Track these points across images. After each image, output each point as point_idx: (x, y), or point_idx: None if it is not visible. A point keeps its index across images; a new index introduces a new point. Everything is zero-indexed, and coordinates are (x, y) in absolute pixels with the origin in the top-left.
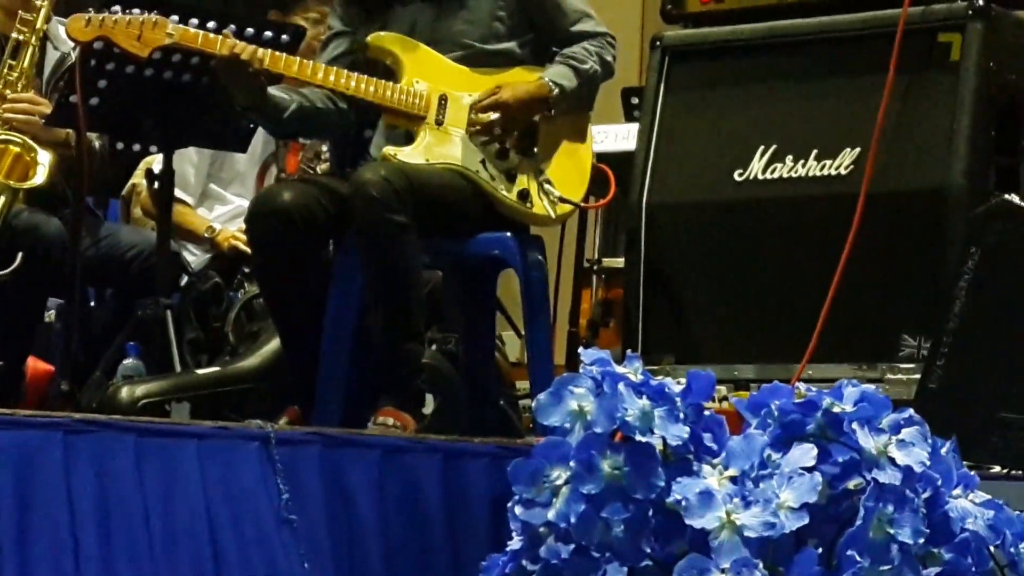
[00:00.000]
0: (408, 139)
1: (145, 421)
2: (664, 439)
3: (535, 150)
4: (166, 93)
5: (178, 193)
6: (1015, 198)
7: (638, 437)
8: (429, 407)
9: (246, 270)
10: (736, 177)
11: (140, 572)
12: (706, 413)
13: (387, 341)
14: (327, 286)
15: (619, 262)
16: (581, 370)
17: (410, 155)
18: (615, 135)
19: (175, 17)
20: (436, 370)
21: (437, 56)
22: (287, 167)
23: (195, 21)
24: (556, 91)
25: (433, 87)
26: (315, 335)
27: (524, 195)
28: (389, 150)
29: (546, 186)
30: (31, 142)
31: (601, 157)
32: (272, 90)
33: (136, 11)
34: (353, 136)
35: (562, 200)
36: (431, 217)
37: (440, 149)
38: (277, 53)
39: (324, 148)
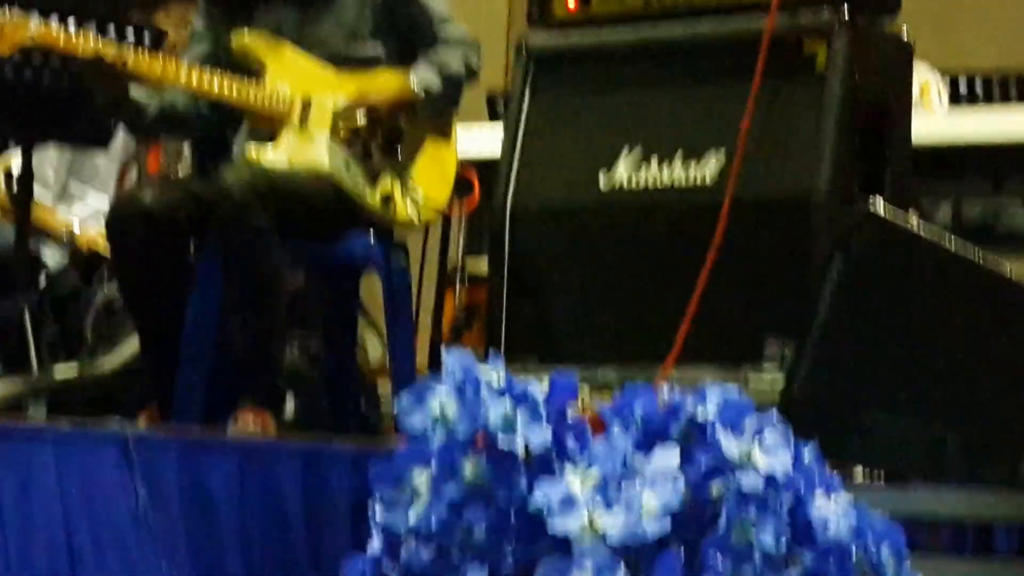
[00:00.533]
0: (272, 141)
1: (1, 422)
2: (526, 442)
3: (399, 153)
4: (25, 91)
5: (37, 191)
6: (879, 208)
7: (500, 440)
8: (290, 409)
9: (105, 270)
10: (601, 181)
11: None
12: (569, 416)
13: (248, 342)
14: (187, 287)
15: (483, 265)
16: (443, 373)
17: (273, 156)
18: (480, 138)
19: (35, 14)
20: (297, 371)
21: (302, 57)
22: (148, 167)
23: (56, 19)
24: (421, 94)
25: (297, 88)
26: (174, 335)
27: (387, 198)
28: (252, 151)
29: (410, 189)
30: None
31: (465, 161)
32: (134, 90)
33: None
34: (215, 137)
35: (425, 203)
36: (293, 219)
37: (303, 151)
38: (140, 53)
39: (186, 148)
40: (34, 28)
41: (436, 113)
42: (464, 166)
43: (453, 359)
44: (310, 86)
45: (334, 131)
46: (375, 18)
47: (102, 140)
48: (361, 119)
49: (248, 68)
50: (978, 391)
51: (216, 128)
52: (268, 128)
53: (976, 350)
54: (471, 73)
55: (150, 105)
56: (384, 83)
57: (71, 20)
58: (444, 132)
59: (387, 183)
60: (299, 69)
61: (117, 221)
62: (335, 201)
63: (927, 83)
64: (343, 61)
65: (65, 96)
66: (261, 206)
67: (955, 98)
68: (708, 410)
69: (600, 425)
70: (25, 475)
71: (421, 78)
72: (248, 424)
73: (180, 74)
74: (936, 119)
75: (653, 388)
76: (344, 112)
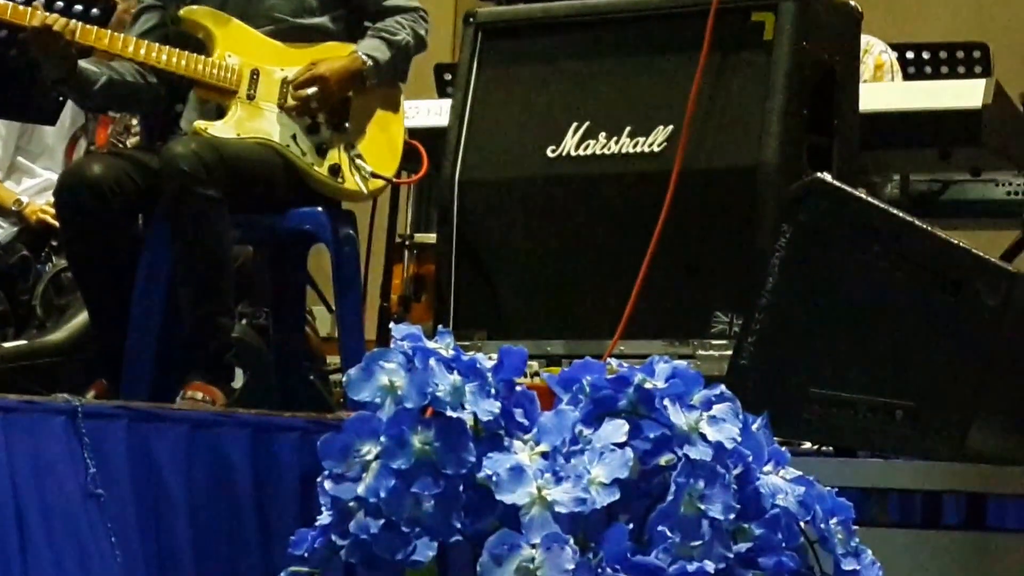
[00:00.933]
0: (220, 114)
1: None
2: (475, 414)
3: (347, 125)
4: None
5: None
6: (827, 176)
7: (449, 412)
8: (239, 382)
9: (54, 243)
10: (549, 153)
11: None
12: (518, 388)
13: (196, 315)
14: (136, 260)
15: (431, 238)
16: (392, 345)
17: (221, 129)
18: (427, 111)
19: None
20: (246, 344)
21: (249, 30)
22: (97, 140)
23: None
24: (369, 63)
25: (245, 61)
26: (123, 309)
27: (335, 170)
28: (200, 124)
29: (358, 161)
30: None
31: (413, 133)
32: (82, 63)
33: None
34: (164, 110)
35: (373, 175)
36: (242, 191)
37: (251, 123)
38: (88, 26)
39: (134, 122)
40: None
41: (384, 83)
42: (412, 138)
43: (401, 332)
44: (258, 58)
45: (282, 103)
46: None
47: (50, 117)
48: (310, 91)
49: (196, 41)
50: (927, 362)
51: (165, 102)
52: (217, 101)
53: (925, 320)
54: (419, 42)
55: (99, 78)
56: (332, 55)
57: None
58: (392, 103)
59: (335, 154)
60: (247, 42)
61: (66, 194)
62: (283, 173)
63: (881, 60)
64: (290, 34)
65: (11, 72)
66: (209, 177)
67: (903, 70)
68: (656, 383)
69: (548, 398)
70: None
71: (368, 49)
72: (197, 397)
73: (128, 47)
74: (883, 89)
75: (602, 362)
76: (292, 84)
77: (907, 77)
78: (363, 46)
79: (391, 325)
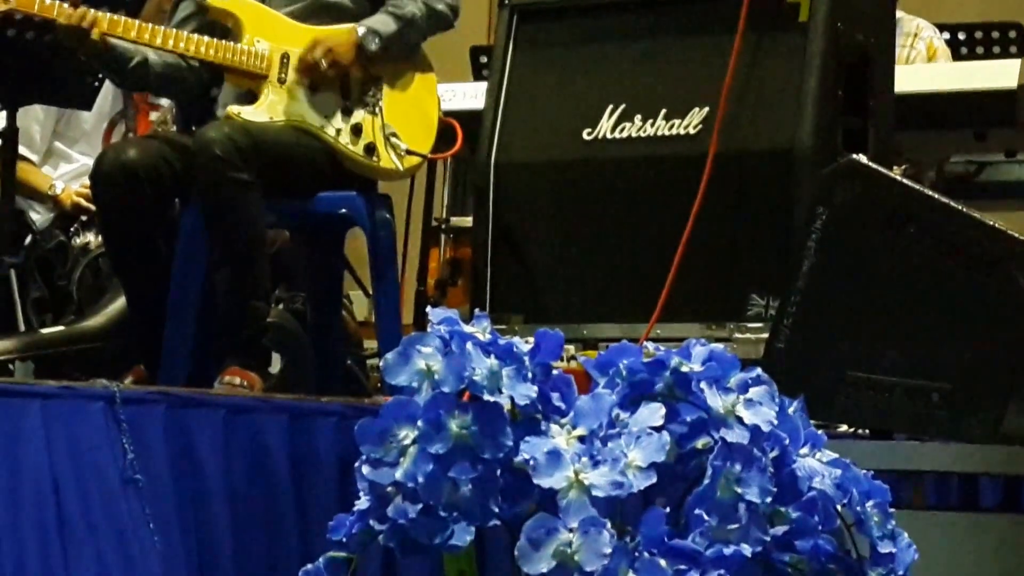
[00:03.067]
0: (253, 98)
1: None
2: (512, 398)
3: (380, 104)
4: (9, 50)
5: (22, 150)
6: (863, 158)
7: (486, 396)
8: (276, 366)
9: (83, 218)
10: (585, 136)
11: None
12: (554, 372)
13: (233, 300)
14: (172, 244)
15: (467, 221)
16: (429, 329)
17: (253, 113)
18: (463, 94)
19: None
20: (283, 329)
21: (276, 15)
22: (138, 129)
23: None
24: (362, 30)
25: (274, 46)
26: (160, 293)
27: (370, 149)
28: (233, 109)
29: (392, 139)
30: None
31: (449, 116)
32: (117, 42)
33: None
34: (199, 95)
35: (409, 152)
36: (277, 175)
37: (284, 107)
38: (116, 17)
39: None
40: None
41: (394, 56)
42: (446, 116)
43: (438, 316)
44: (287, 42)
45: (314, 85)
46: None
47: (86, 101)
48: (316, 52)
49: (228, 29)
50: (963, 344)
51: (202, 90)
52: (248, 87)
53: (961, 302)
54: (433, 16)
55: (134, 56)
56: (337, 30)
57: None
58: (426, 81)
59: (369, 134)
60: (275, 26)
61: (101, 178)
62: (317, 154)
63: (934, 45)
64: (314, 12)
65: (48, 56)
66: (242, 162)
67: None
68: (692, 366)
69: (585, 382)
70: (12, 435)
71: (371, 22)
72: (235, 382)
73: (156, 37)
74: (918, 70)
75: (638, 346)
76: (299, 55)
77: (956, 58)
78: (367, 21)
79: (428, 309)
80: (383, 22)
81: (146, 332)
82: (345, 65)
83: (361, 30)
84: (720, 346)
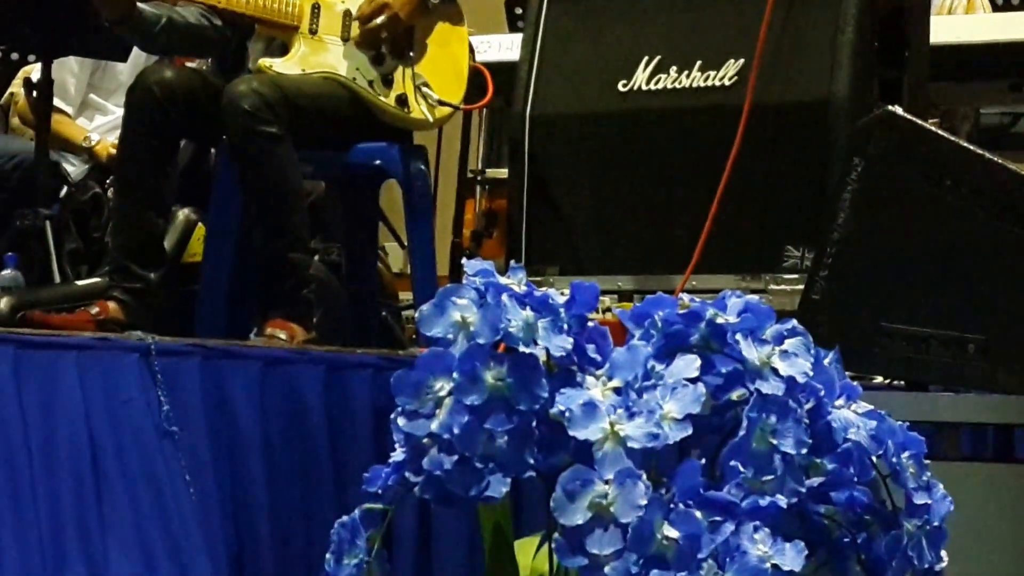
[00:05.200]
0: (285, 50)
1: (24, 332)
2: (548, 350)
3: (411, 53)
4: (44, 2)
5: (57, 102)
6: (898, 109)
7: (521, 348)
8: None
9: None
10: (620, 88)
11: (18, 485)
12: (590, 324)
13: (270, 253)
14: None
15: (503, 173)
16: (464, 281)
17: (285, 66)
18: (499, 45)
19: None
20: (319, 281)
21: None
22: None
23: None
24: None
25: None
26: (156, 215)
27: (402, 100)
28: (264, 61)
29: (424, 89)
30: None
31: (484, 67)
32: (142, 5)
33: None
34: (235, 48)
35: (440, 103)
36: (309, 127)
37: (315, 58)
38: None
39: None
40: None
41: (447, 4)
42: (478, 66)
43: (474, 267)
44: None
45: (345, 36)
46: None
47: (121, 53)
48: (379, 20)
49: None
50: (998, 296)
51: (234, 43)
52: (280, 37)
53: (997, 254)
54: None
55: (159, 19)
56: None
57: None
58: (456, 30)
59: (400, 84)
60: None
61: (139, 88)
62: (349, 106)
63: None
64: None
65: (83, 7)
66: (272, 115)
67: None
68: (728, 317)
69: (621, 334)
70: (48, 386)
71: None
72: (278, 334)
73: None
74: (953, 21)
75: (674, 297)
76: (359, 18)
77: (995, 9)
78: None
79: (463, 261)
80: None
81: (127, 252)
82: (403, 23)
83: None
84: (755, 298)
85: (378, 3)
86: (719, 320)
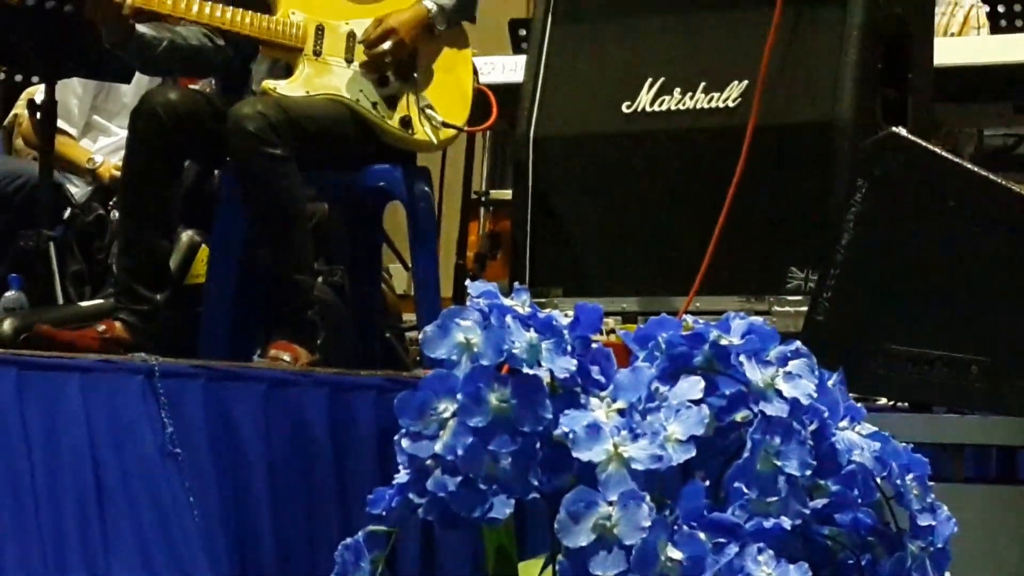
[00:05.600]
0: (289, 71)
1: (27, 354)
2: (551, 372)
3: (415, 75)
4: (49, 22)
5: (61, 124)
6: (902, 130)
7: (525, 370)
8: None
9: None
10: (624, 109)
11: (22, 506)
12: (594, 346)
13: (275, 274)
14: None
15: (507, 194)
16: (468, 302)
17: (289, 87)
18: (502, 67)
19: None
20: (323, 302)
21: None
22: None
23: None
24: (434, 9)
25: (309, 17)
26: (159, 237)
27: (406, 122)
28: (268, 83)
29: (427, 111)
30: None
31: (488, 89)
32: (143, 28)
33: None
34: (237, 71)
35: (444, 125)
36: (313, 149)
37: (320, 80)
38: None
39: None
40: None
41: (453, 25)
42: (482, 88)
43: (477, 289)
44: (322, 13)
45: (349, 58)
46: None
47: (125, 74)
48: (385, 46)
49: (260, 1)
50: (1001, 317)
51: (236, 64)
52: (284, 59)
53: (1000, 275)
54: None
55: (160, 43)
56: (397, 6)
57: None
58: (460, 51)
59: (405, 106)
60: None
61: (144, 109)
62: (353, 128)
63: (970, 13)
64: None
65: (86, 29)
66: (276, 137)
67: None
68: (732, 339)
69: (625, 355)
70: (52, 408)
71: None
72: (282, 356)
73: (191, 9)
74: (956, 43)
75: (678, 319)
76: (364, 42)
77: (992, 31)
78: None
79: (467, 282)
80: None
81: (138, 279)
82: (409, 48)
83: (431, 8)
84: (759, 319)
85: (384, 28)
86: (723, 342)
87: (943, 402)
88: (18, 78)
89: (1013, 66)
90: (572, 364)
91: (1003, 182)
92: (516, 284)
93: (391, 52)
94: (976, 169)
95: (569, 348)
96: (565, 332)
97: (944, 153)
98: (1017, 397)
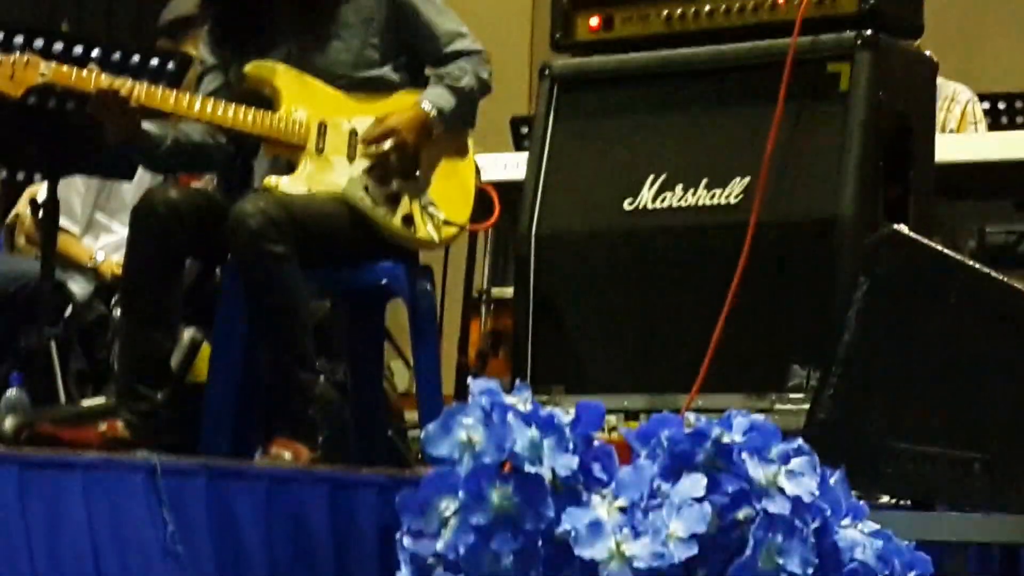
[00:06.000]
0: (290, 168)
1: (28, 453)
2: (553, 469)
3: (417, 173)
4: (50, 121)
5: (63, 222)
6: (904, 228)
7: (527, 468)
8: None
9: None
10: (626, 206)
11: None
12: (595, 443)
13: (276, 372)
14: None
15: (508, 292)
16: (470, 400)
17: (291, 184)
18: (504, 164)
19: (57, 46)
20: (325, 400)
21: (314, 83)
22: None
23: (79, 50)
24: (434, 113)
25: (312, 114)
26: (164, 341)
27: (408, 220)
28: (270, 180)
29: (430, 209)
30: None
31: (490, 186)
32: (147, 125)
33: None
34: (239, 169)
35: (446, 223)
36: (315, 246)
37: (322, 177)
38: (153, 88)
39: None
40: (44, 67)
41: (452, 130)
42: (484, 186)
43: (479, 387)
44: (325, 111)
45: (351, 155)
46: (382, 40)
47: (127, 172)
48: (386, 145)
49: (260, 98)
50: (1005, 415)
51: (238, 160)
52: (286, 156)
53: (1001, 372)
54: (483, 86)
55: (164, 140)
56: (400, 106)
57: (96, 51)
58: (461, 149)
59: (406, 204)
60: (312, 94)
61: (144, 208)
62: (355, 226)
63: (967, 109)
64: (353, 86)
65: (88, 127)
66: (277, 235)
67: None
68: (734, 437)
69: (627, 453)
70: (53, 505)
71: (433, 98)
72: (283, 455)
73: (194, 107)
74: (957, 140)
75: (679, 416)
76: (365, 141)
77: (991, 127)
78: (429, 95)
79: (469, 380)
80: (444, 98)
81: (139, 378)
82: (411, 147)
83: (430, 109)
84: (761, 417)
85: (386, 127)
86: (725, 440)
87: (946, 499)
88: (20, 176)
89: (1013, 163)
90: (574, 462)
91: (1005, 279)
92: (518, 381)
93: (393, 151)
94: (978, 266)
95: (571, 446)
96: (567, 430)
97: (945, 250)
98: (1019, 495)
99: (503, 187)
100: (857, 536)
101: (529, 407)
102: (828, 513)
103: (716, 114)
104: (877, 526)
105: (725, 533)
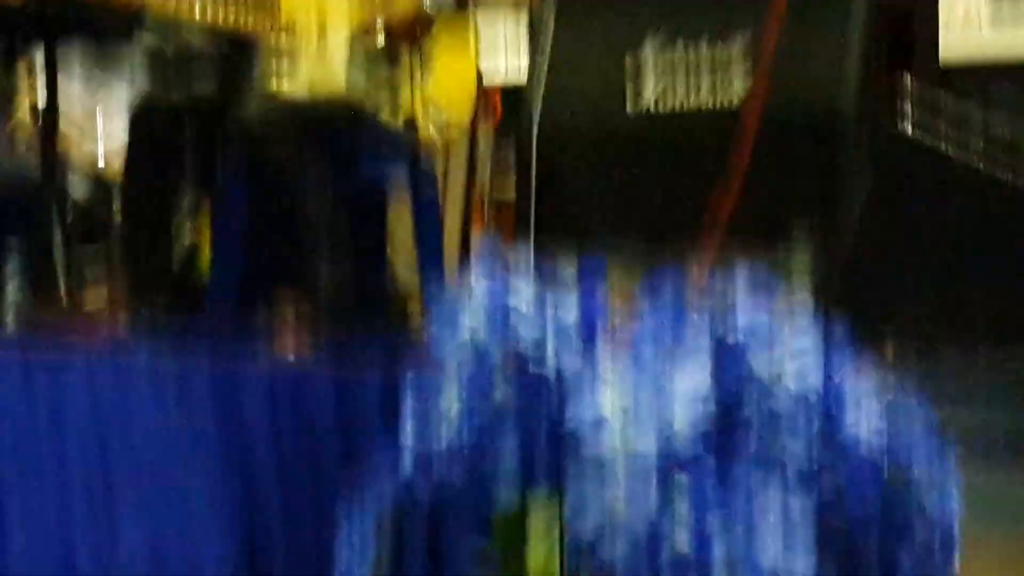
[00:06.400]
0: (293, 71)
1: (34, 340)
2: (558, 365)
3: (420, 73)
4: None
5: (64, 126)
6: (907, 123)
7: (531, 366)
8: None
9: None
10: (628, 109)
11: (31, 488)
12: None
13: (281, 271)
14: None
15: (509, 194)
16: (473, 256)
17: (291, 87)
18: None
19: None
20: (329, 296)
21: None
22: None
23: None
24: (435, 7)
25: (312, 16)
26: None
27: (409, 120)
28: (273, 83)
29: (431, 109)
30: None
31: (493, 87)
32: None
33: None
34: (241, 71)
35: (448, 122)
36: (317, 147)
37: (322, 78)
38: None
39: None
40: None
41: (455, 24)
42: (489, 88)
43: (485, 246)
44: (324, 13)
45: (352, 56)
46: None
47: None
48: (381, 42)
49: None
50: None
51: (240, 65)
52: (287, 59)
53: (997, 254)
54: None
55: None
56: (398, 2)
57: None
58: (464, 50)
59: (407, 103)
60: None
61: (140, 109)
62: (357, 125)
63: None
64: None
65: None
66: (282, 137)
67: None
68: (738, 328)
69: (632, 307)
70: (59, 392)
71: None
72: (285, 344)
73: (195, 9)
74: (963, 34)
75: (683, 269)
76: (362, 35)
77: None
78: None
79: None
80: None
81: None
82: (402, 39)
83: (431, 3)
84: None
85: (381, 23)
86: (730, 340)
87: (948, 340)
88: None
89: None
90: (578, 360)
91: (1006, 177)
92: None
93: (384, 48)
94: (979, 166)
95: (575, 339)
96: (571, 324)
97: (948, 151)
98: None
99: (505, 89)
100: (862, 425)
101: (533, 307)
102: (832, 406)
103: None
104: (884, 415)
105: (729, 425)
